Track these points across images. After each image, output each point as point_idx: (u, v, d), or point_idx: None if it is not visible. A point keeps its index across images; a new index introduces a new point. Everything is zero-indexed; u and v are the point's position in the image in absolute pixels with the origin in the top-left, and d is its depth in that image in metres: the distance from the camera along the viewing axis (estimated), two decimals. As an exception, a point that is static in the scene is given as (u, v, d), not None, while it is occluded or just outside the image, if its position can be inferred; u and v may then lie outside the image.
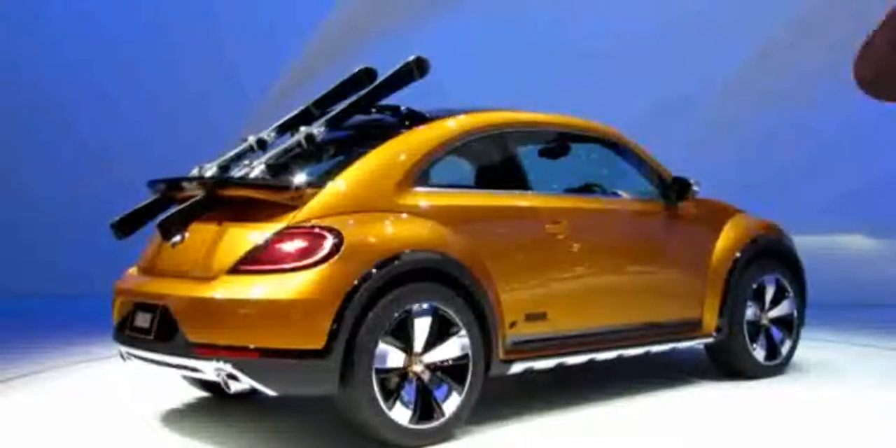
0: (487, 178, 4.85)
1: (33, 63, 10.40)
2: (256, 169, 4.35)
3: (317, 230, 4.00)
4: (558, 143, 5.23)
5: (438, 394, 4.16)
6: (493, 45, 9.43)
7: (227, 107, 9.53)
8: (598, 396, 5.09)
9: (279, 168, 4.36)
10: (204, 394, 5.18)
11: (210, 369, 3.94)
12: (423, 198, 4.34)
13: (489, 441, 4.27)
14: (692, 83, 9.63)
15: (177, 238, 4.28)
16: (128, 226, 4.38)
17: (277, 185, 4.16)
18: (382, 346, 3.97)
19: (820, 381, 5.65)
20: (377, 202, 4.22)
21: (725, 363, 5.63)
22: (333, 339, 3.85)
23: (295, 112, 4.90)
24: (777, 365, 5.71)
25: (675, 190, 5.28)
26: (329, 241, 3.96)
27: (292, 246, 3.97)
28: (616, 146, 5.33)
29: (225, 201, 4.22)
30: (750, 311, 5.58)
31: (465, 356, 4.24)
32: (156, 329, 4.14)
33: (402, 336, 4.06)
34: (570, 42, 9.62)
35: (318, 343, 3.84)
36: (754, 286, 5.60)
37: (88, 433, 4.48)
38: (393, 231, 4.17)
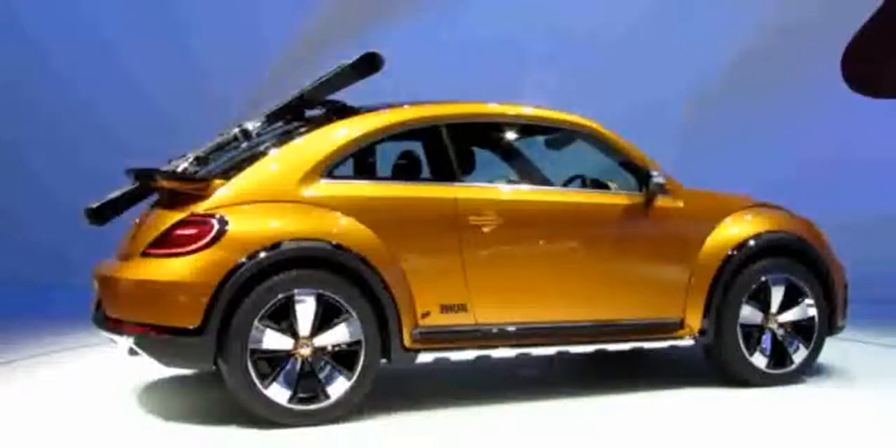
0: (413, 170, 4.89)
1: (11, 57, 10.59)
2: (187, 161, 4.73)
3: (205, 218, 4.30)
4: (511, 133, 5.13)
5: (323, 377, 4.32)
6: (478, 41, 9.19)
7: (214, 96, 9.67)
8: (559, 396, 4.99)
9: (205, 161, 4.72)
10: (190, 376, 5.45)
11: (122, 342, 4.40)
12: (330, 189, 4.48)
13: (378, 426, 4.36)
14: (679, 82, 9.17)
15: (135, 222, 4.79)
16: (103, 213, 4.89)
17: (189, 177, 4.52)
18: (259, 329, 4.21)
19: (826, 384, 5.27)
20: (281, 193, 4.44)
21: (719, 368, 5.24)
22: (208, 319, 4.15)
23: (283, 101, 5.04)
24: (786, 374, 5.21)
25: (641, 182, 5.01)
26: (214, 229, 4.26)
27: (185, 232, 4.30)
28: (586, 136, 5.12)
29: (166, 191, 4.65)
30: (748, 314, 5.15)
31: (357, 342, 4.36)
32: (98, 306, 4.67)
33: (284, 320, 4.26)
34: (558, 40, 9.19)
35: (195, 322, 4.16)
36: (754, 286, 5.15)
37: (77, 420, 4.58)
38: (282, 220, 4.38)
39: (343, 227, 4.41)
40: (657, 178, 4.94)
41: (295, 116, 5.00)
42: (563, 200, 4.95)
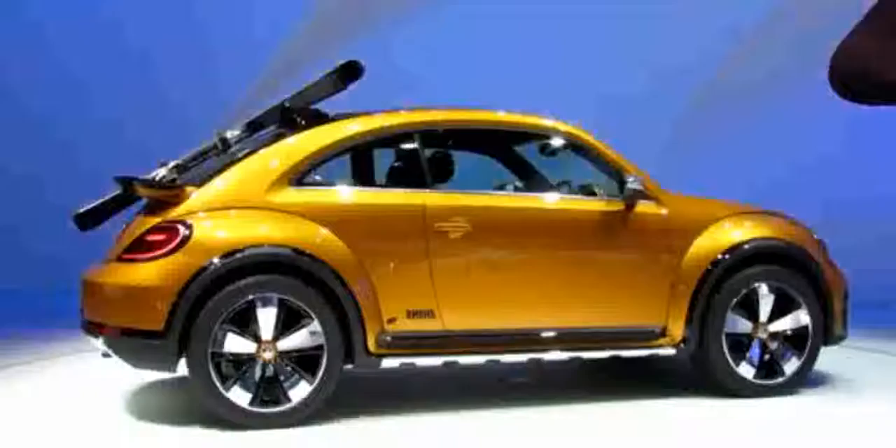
0: (385, 176, 4.93)
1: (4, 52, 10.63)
2: (167, 168, 4.86)
3: (173, 224, 4.43)
4: (490, 140, 5.11)
5: (285, 381, 4.39)
6: (475, 42, 9.07)
7: (204, 102, 9.65)
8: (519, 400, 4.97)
9: (184, 168, 4.85)
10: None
11: (98, 344, 4.56)
12: (297, 196, 4.55)
13: (362, 429, 4.42)
14: (666, 79, 8.98)
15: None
16: (87, 219, 5.06)
17: (162, 185, 4.65)
18: (220, 332, 4.31)
19: (825, 393, 5.14)
20: (249, 200, 4.53)
21: (706, 378, 5.12)
22: (171, 322, 4.27)
23: (264, 110, 5.16)
24: (777, 385, 5.06)
25: (621, 187, 4.94)
26: (180, 235, 4.38)
27: (155, 238, 4.44)
28: (566, 141, 5.07)
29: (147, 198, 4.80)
30: (735, 323, 5.02)
31: (319, 347, 4.42)
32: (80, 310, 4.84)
33: (245, 324, 4.35)
34: (548, 38, 9.01)
35: (158, 325, 4.28)
36: (741, 295, 5.02)
37: (68, 424, 4.61)
38: (246, 226, 4.46)
39: (307, 234, 4.47)
40: (632, 184, 4.86)
41: (279, 125, 5.08)
42: (536, 207, 4.91)
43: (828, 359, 5.53)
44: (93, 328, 4.56)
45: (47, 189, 10.30)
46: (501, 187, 5.35)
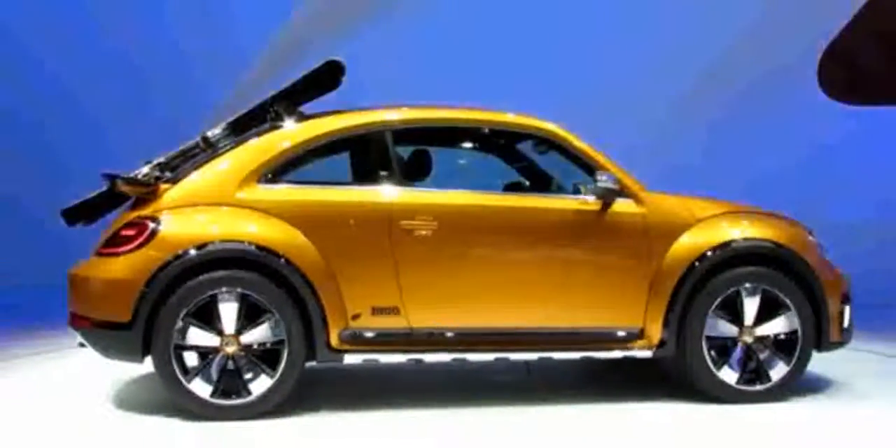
0: (357, 174, 4.98)
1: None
2: (149, 166, 5.01)
3: (144, 220, 4.58)
4: (464, 137, 5.09)
5: (246, 374, 4.49)
6: (462, 41, 8.85)
7: (191, 100, 9.66)
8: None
9: (166, 166, 5.00)
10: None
11: (78, 335, 4.75)
12: (265, 194, 4.64)
13: (295, 423, 4.47)
14: (663, 78, 8.67)
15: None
16: (77, 214, 5.20)
17: (139, 182, 4.80)
18: (182, 325, 4.43)
19: (814, 396, 5.02)
20: (218, 197, 4.65)
21: (687, 382, 4.97)
22: (136, 315, 4.42)
23: (246, 109, 5.23)
24: (762, 391, 4.88)
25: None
26: (148, 230, 4.52)
27: (126, 233, 4.60)
28: (542, 139, 5.01)
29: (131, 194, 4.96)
30: (718, 326, 4.86)
31: (281, 342, 4.50)
32: None
33: (208, 318, 4.46)
34: (540, 35, 8.71)
35: (125, 317, 4.44)
36: (723, 296, 4.86)
37: (60, 421, 4.65)
38: (212, 222, 4.58)
39: (271, 230, 4.55)
40: (603, 183, 4.76)
41: (261, 123, 5.16)
42: (506, 205, 4.85)
43: (826, 360, 5.34)
44: (73, 320, 4.75)
45: (36, 187, 10.30)
46: (509, 187, 5.33)
